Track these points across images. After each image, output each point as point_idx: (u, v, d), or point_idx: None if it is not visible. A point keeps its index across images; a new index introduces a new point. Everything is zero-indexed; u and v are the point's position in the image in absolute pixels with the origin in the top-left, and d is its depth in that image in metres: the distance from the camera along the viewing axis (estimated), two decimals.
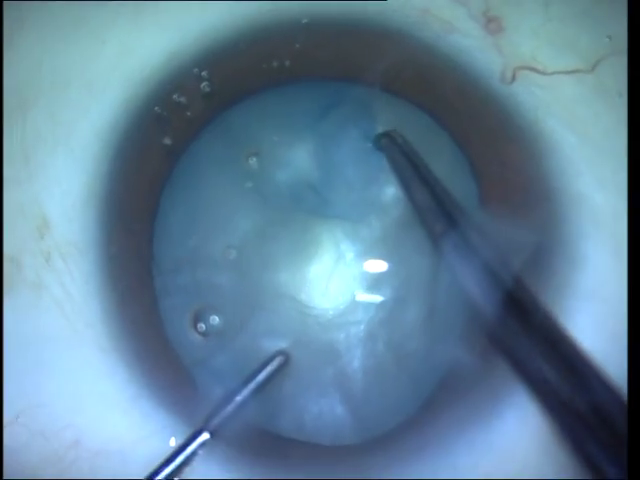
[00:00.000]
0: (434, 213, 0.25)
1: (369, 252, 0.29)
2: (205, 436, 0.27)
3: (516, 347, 0.23)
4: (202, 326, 0.29)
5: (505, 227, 0.27)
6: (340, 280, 0.29)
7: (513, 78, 0.29)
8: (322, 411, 0.28)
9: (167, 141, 0.29)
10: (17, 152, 0.28)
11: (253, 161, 0.29)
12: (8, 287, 0.28)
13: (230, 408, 0.27)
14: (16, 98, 0.28)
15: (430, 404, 0.27)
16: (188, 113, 0.29)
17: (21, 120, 0.28)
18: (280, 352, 0.28)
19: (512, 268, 0.24)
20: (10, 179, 0.28)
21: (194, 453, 0.27)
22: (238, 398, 0.27)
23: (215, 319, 0.29)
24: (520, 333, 0.23)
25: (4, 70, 0.28)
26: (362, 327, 0.28)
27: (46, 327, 0.28)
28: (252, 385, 0.28)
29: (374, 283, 0.28)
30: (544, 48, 0.28)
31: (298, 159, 0.29)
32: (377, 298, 0.28)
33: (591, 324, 0.26)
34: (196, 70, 0.29)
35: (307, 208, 0.29)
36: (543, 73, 0.28)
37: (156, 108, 0.29)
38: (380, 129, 0.29)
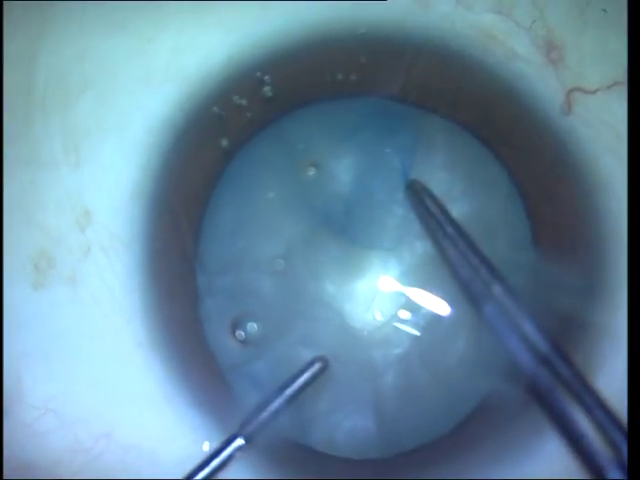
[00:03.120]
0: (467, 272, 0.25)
1: (418, 276, 0.29)
2: (240, 442, 0.27)
3: (550, 399, 0.24)
4: (241, 333, 0.29)
5: (554, 267, 0.28)
6: (385, 300, 0.29)
7: (570, 106, 0.29)
8: (354, 424, 0.28)
9: (224, 142, 0.29)
10: (57, 143, 0.28)
11: (308, 169, 0.29)
12: (40, 282, 0.28)
13: (266, 415, 0.28)
14: (56, 87, 0.28)
15: (464, 427, 0.28)
16: (248, 115, 0.29)
17: (62, 109, 0.28)
18: (319, 358, 0.28)
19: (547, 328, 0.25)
20: (48, 170, 0.28)
21: (229, 458, 0.27)
22: (274, 404, 0.28)
23: (254, 326, 0.29)
24: (552, 389, 0.24)
25: (40, 60, 0.27)
26: (402, 347, 0.28)
27: (84, 320, 0.28)
28: (289, 391, 0.28)
29: (419, 307, 0.29)
30: (586, 59, 0.28)
31: (353, 172, 0.29)
32: (414, 331, 0.29)
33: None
34: (259, 74, 0.28)
35: (358, 221, 0.29)
36: (588, 91, 0.28)
37: (214, 108, 0.28)
38: (433, 154, 0.29)
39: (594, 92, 0.28)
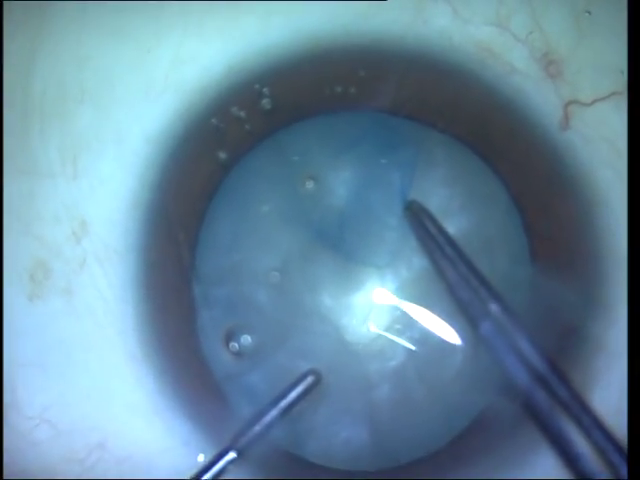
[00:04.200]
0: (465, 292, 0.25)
1: (414, 290, 0.29)
2: (232, 455, 0.27)
3: (546, 418, 0.24)
4: (235, 345, 0.29)
5: (552, 283, 0.28)
6: (381, 313, 0.29)
7: (567, 120, 0.28)
8: (349, 437, 0.28)
9: (222, 154, 0.29)
10: (54, 153, 0.28)
11: (306, 183, 0.29)
12: (35, 293, 0.28)
13: (258, 428, 0.28)
14: (54, 96, 0.28)
15: (460, 442, 0.28)
16: (247, 127, 0.28)
17: (59, 119, 0.28)
18: (311, 371, 0.28)
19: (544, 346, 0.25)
20: (45, 181, 0.28)
21: (221, 471, 0.27)
22: (267, 418, 0.28)
23: (247, 339, 0.29)
24: (549, 407, 0.24)
25: (37, 67, 0.27)
26: (398, 361, 0.28)
27: (79, 331, 0.28)
28: (282, 404, 0.28)
29: (415, 321, 0.29)
30: (583, 72, 0.28)
31: (351, 186, 0.29)
32: (410, 344, 0.29)
33: (622, 385, 0.27)
34: (257, 86, 0.28)
35: (355, 236, 0.29)
36: (585, 104, 0.28)
37: (213, 120, 0.28)
38: (431, 170, 0.29)
39: (590, 104, 0.28)
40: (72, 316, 0.28)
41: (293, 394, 0.28)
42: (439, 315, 0.28)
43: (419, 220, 0.28)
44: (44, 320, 0.28)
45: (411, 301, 0.28)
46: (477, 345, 0.27)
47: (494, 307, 0.25)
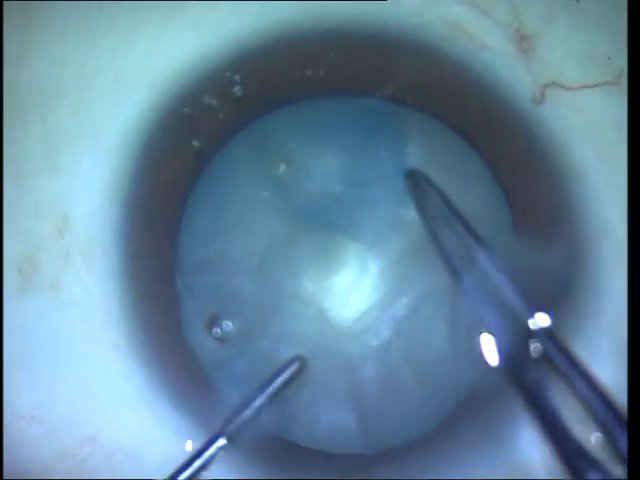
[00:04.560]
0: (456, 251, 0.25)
1: (393, 266, 0.29)
2: (222, 441, 0.27)
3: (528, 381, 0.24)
4: (217, 331, 0.29)
5: (534, 252, 0.28)
6: (362, 291, 0.29)
7: (542, 97, 0.29)
8: (337, 420, 0.28)
9: (196, 143, 0.29)
10: (37, 149, 0.28)
11: (282, 168, 0.29)
12: (24, 287, 0.28)
13: (247, 414, 0.28)
14: (36, 93, 0.28)
15: (448, 421, 0.28)
16: (220, 116, 0.29)
17: (41, 115, 0.28)
18: (297, 357, 0.28)
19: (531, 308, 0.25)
20: (29, 176, 0.28)
21: (211, 458, 0.27)
22: (255, 404, 0.28)
23: (229, 324, 0.29)
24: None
25: (24, 64, 0.27)
26: (382, 341, 0.28)
27: (64, 326, 0.28)
28: (269, 390, 0.28)
29: (398, 299, 0.29)
30: (570, 60, 0.28)
31: (327, 169, 0.29)
32: (397, 313, 0.29)
33: (612, 354, 0.27)
34: (228, 74, 0.28)
35: (333, 217, 0.29)
36: (569, 88, 0.28)
37: (185, 109, 0.28)
38: (411, 148, 0.29)
39: (577, 89, 0.28)
40: (59, 310, 0.28)
41: (279, 380, 0.28)
42: (423, 291, 0.28)
43: (419, 187, 0.28)
44: (33, 315, 0.28)
45: (393, 280, 0.29)
46: (459, 319, 0.27)
47: (482, 256, 0.24)
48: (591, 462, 0.21)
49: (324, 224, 0.29)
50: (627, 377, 0.22)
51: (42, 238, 0.28)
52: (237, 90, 0.28)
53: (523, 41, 0.29)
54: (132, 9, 0.28)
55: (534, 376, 0.25)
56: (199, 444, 0.27)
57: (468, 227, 0.25)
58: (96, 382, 0.28)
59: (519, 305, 0.24)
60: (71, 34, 0.28)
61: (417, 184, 0.28)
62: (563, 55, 0.28)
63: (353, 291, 0.29)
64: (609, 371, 0.26)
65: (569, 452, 0.22)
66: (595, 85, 0.28)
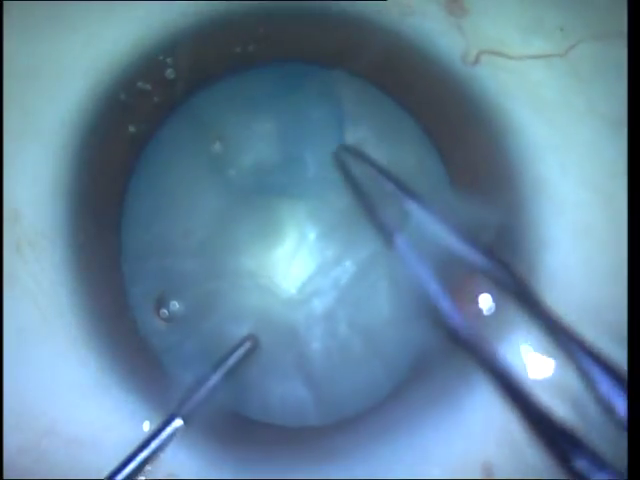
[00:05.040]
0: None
1: (333, 232, 0.29)
2: (178, 422, 0.27)
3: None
4: (165, 312, 0.29)
5: (472, 208, 0.28)
6: (303, 261, 0.29)
7: (477, 61, 0.29)
8: (289, 393, 0.28)
9: (132, 128, 0.29)
10: None
11: (217, 145, 0.29)
12: None
13: (201, 394, 0.28)
14: None
15: (400, 387, 0.28)
16: (155, 99, 0.29)
17: None
18: (249, 337, 0.29)
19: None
20: None
21: (168, 439, 0.27)
22: (209, 384, 0.28)
23: (175, 304, 0.29)
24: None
25: None
26: (327, 309, 0.29)
27: (20, 317, 0.28)
28: (222, 370, 0.28)
29: (339, 263, 0.29)
30: (514, 32, 0.28)
31: (261, 142, 0.29)
32: (340, 278, 0.29)
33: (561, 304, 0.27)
34: (161, 57, 0.28)
35: (269, 190, 0.29)
36: (510, 57, 0.28)
37: (121, 95, 0.28)
38: (346, 113, 0.29)
39: (518, 59, 0.28)
40: (16, 301, 0.28)
41: (231, 361, 0.28)
42: (363, 256, 0.28)
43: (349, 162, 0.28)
44: None
45: (332, 246, 0.29)
46: (405, 286, 0.27)
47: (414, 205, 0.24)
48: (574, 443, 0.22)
49: (262, 198, 0.29)
50: (627, 377, 0.22)
51: None
52: (170, 73, 0.29)
53: (453, 4, 0.29)
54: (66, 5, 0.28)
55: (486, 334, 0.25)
56: (155, 426, 0.27)
57: (402, 187, 0.25)
58: (52, 373, 0.28)
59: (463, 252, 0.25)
60: (13, 34, 0.28)
61: (346, 160, 0.28)
62: (506, 26, 0.28)
63: (295, 260, 0.29)
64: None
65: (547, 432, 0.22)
66: (539, 56, 0.28)
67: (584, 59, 0.27)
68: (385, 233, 0.26)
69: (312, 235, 0.29)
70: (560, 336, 0.24)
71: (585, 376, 0.23)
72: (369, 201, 0.28)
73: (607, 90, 0.26)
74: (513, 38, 0.28)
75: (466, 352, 0.25)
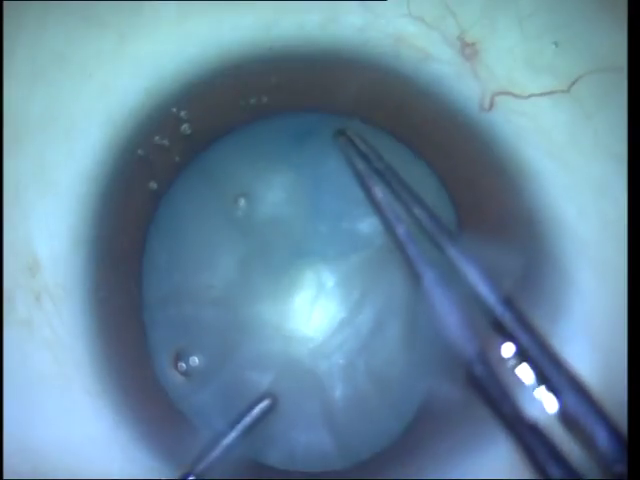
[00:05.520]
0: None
1: (350, 282, 0.29)
2: None
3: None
4: (182, 365, 0.29)
5: (491, 255, 0.27)
6: (322, 309, 0.29)
7: (491, 105, 0.29)
8: (312, 440, 0.28)
9: (152, 185, 0.30)
10: (10, 188, 0.28)
11: (234, 197, 0.29)
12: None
13: (217, 452, 0.27)
14: (10, 132, 0.28)
15: (412, 431, 0.27)
16: (173, 155, 0.30)
17: (14, 156, 0.28)
18: (266, 394, 0.28)
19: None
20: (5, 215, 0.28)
21: None
22: (225, 441, 0.27)
23: (195, 360, 0.29)
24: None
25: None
26: (345, 355, 0.28)
27: (37, 366, 0.28)
28: (239, 427, 0.27)
29: (355, 311, 0.28)
30: (520, 69, 0.28)
31: (278, 193, 0.29)
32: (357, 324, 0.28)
33: (586, 348, 0.26)
34: (175, 109, 0.29)
35: (289, 242, 0.29)
36: (520, 97, 0.28)
37: (139, 151, 0.29)
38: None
39: (526, 97, 0.28)
40: (33, 348, 0.28)
41: (249, 417, 0.28)
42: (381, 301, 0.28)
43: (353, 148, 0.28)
44: (9, 347, 0.27)
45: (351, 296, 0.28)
46: (419, 328, 0.27)
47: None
48: None
49: (281, 246, 0.29)
50: (627, 377, 0.22)
51: (17, 275, 0.28)
52: (186, 128, 0.29)
53: (466, 47, 0.29)
54: (82, 43, 0.28)
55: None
56: None
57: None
58: (69, 426, 0.28)
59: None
60: (19, 86, 0.28)
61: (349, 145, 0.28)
62: (513, 64, 0.29)
63: (314, 309, 0.29)
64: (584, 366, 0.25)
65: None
66: (544, 93, 0.28)
67: (587, 93, 0.27)
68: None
69: (330, 284, 0.29)
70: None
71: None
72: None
73: (611, 123, 0.26)
74: (521, 76, 0.28)
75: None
